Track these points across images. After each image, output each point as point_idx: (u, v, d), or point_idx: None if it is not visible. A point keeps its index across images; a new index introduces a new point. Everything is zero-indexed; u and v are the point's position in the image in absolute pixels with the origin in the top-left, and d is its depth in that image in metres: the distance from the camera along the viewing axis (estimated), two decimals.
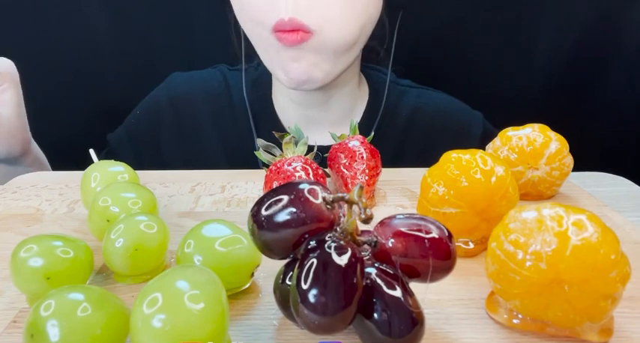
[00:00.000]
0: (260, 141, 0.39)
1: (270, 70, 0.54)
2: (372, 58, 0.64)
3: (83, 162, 0.40)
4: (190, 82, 0.66)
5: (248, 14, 0.51)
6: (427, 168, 0.34)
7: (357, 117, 0.62)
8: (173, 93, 0.65)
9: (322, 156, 0.41)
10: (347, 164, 0.40)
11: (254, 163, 0.52)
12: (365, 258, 0.23)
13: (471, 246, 0.33)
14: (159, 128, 0.65)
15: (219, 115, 0.64)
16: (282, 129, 0.62)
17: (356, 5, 0.49)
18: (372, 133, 0.43)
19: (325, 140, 0.51)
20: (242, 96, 0.62)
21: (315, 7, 0.47)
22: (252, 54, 0.57)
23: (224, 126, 0.64)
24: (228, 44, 0.64)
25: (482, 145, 0.60)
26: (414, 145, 0.63)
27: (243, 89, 0.62)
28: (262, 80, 0.63)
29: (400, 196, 0.42)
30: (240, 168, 0.49)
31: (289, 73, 0.51)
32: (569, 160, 0.39)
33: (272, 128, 0.55)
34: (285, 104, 0.61)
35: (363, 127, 0.59)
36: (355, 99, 0.62)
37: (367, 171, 0.39)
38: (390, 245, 0.23)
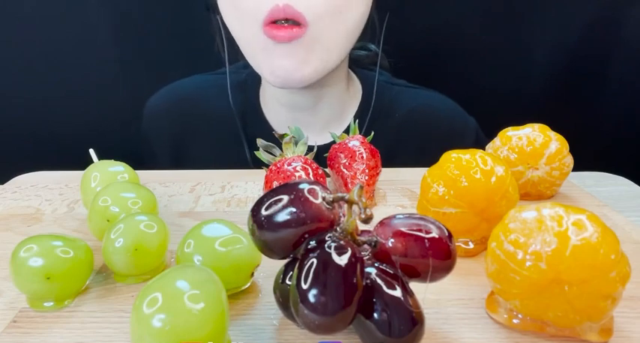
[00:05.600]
0: (260, 141, 0.39)
1: (257, 70, 0.52)
2: (363, 59, 0.63)
3: (83, 162, 0.40)
4: (169, 96, 0.65)
5: (239, 8, 0.49)
6: (427, 168, 0.34)
7: (349, 119, 0.60)
8: (162, 108, 0.65)
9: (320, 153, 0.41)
10: (347, 164, 0.40)
11: (246, 168, 0.51)
12: (365, 258, 0.23)
13: (471, 246, 0.33)
14: (158, 143, 0.65)
15: (207, 123, 0.63)
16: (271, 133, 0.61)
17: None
18: (372, 133, 0.43)
19: (317, 141, 0.50)
20: (228, 101, 0.59)
21: None
22: (235, 59, 0.57)
23: (214, 132, 0.62)
24: (203, 52, 0.63)
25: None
26: (407, 146, 0.61)
27: (228, 94, 0.59)
28: (248, 84, 0.61)
29: (400, 196, 0.42)
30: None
31: (276, 70, 0.49)
32: (569, 160, 0.39)
33: (261, 131, 0.53)
34: (274, 107, 0.60)
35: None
36: (345, 101, 0.60)
37: (367, 170, 0.39)
38: (390, 245, 0.23)
